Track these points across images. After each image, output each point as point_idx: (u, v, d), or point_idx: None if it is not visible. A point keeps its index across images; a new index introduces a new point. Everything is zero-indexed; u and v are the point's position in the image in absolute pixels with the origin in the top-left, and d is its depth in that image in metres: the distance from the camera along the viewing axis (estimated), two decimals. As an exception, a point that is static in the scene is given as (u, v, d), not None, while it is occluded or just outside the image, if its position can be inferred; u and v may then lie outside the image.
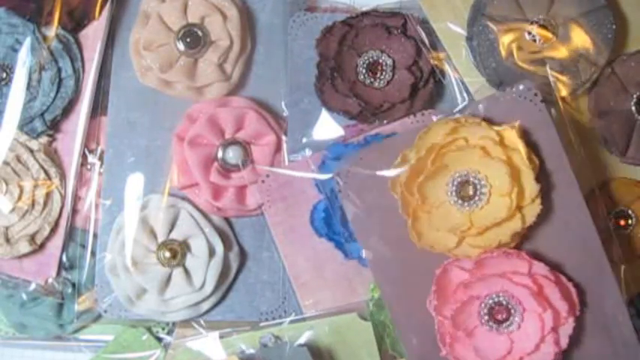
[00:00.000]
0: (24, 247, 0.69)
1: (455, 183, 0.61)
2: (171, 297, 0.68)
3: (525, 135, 0.62)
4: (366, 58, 0.69)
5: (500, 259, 0.61)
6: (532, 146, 0.62)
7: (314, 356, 0.66)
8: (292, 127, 0.70)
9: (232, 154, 0.69)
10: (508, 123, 0.61)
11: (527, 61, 0.67)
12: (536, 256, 0.62)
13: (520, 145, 0.61)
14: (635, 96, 0.68)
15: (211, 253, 0.68)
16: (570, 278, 0.62)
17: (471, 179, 0.60)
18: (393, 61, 0.69)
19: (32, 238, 0.70)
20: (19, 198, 0.69)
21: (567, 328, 0.61)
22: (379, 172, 0.62)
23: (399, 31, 0.69)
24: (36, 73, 0.70)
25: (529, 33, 0.67)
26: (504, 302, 0.60)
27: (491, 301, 0.61)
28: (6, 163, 0.69)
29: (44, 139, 0.71)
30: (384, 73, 0.68)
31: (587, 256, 0.62)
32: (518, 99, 0.63)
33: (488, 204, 0.60)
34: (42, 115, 0.70)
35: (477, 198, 0.60)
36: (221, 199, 0.69)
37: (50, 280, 0.71)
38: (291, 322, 0.68)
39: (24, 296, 0.72)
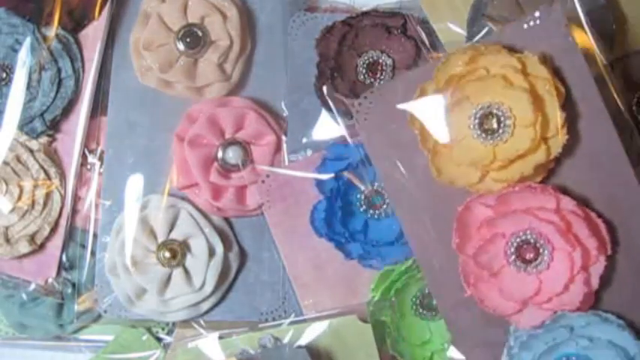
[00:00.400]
0: (24, 247, 0.69)
1: (477, 116, 0.56)
2: (171, 297, 0.68)
3: (549, 61, 0.57)
4: (366, 58, 0.68)
5: (524, 193, 0.56)
6: (557, 73, 0.57)
7: (313, 358, 0.66)
8: (292, 127, 0.70)
9: (232, 154, 0.69)
10: (531, 50, 0.57)
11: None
12: (564, 191, 0.57)
13: (544, 72, 0.56)
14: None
15: (211, 253, 0.68)
16: (600, 214, 0.57)
17: (495, 111, 0.56)
18: (393, 61, 0.68)
19: (32, 238, 0.70)
20: (19, 198, 0.69)
21: (598, 268, 0.56)
22: (399, 106, 0.59)
23: (399, 31, 0.68)
24: (36, 73, 0.69)
25: (529, 33, 0.67)
26: (532, 241, 0.56)
27: (518, 240, 0.57)
28: (6, 163, 0.69)
29: (44, 139, 0.71)
30: (384, 73, 0.68)
31: (619, 189, 0.57)
32: (541, 25, 0.57)
33: (513, 137, 0.56)
34: (42, 115, 0.70)
35: (501, 131, 0.56)
36: (221, 199, 0.69)
37: (50, 280, 0.71)
38: (291, 323, 0.68)
39: (24, 296, 0.72)
